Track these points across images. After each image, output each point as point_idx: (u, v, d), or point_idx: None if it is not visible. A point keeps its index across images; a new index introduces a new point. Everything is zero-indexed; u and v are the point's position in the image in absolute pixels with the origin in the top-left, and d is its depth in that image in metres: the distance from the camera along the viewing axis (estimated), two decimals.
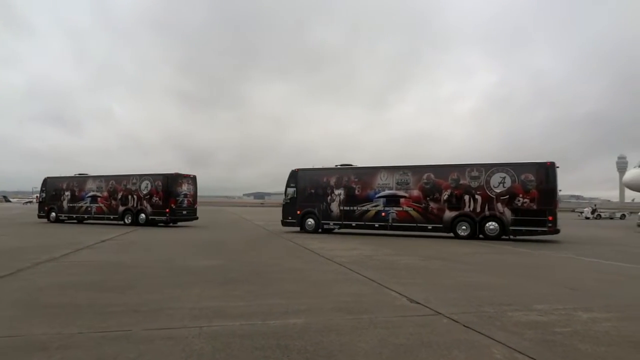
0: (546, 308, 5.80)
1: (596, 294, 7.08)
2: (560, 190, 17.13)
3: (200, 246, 14.53)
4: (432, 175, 18.54)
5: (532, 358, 3.86)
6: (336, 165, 21.15)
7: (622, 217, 47.19)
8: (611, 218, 47.00)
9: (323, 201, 20.48)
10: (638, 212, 27.96)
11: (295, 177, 21.42)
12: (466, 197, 17.81)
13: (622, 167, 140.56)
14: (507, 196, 17.14)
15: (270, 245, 15.38)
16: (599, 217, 46.66)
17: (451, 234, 18.13)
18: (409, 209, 18.78)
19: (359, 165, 20.96)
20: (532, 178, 16.88)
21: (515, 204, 17.00)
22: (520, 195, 16.96)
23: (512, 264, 10.87)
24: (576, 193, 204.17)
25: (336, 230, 21.07)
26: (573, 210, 65.64)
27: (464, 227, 17.83)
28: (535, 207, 16.73)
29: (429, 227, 18.49)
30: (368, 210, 19.56)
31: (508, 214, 17.09)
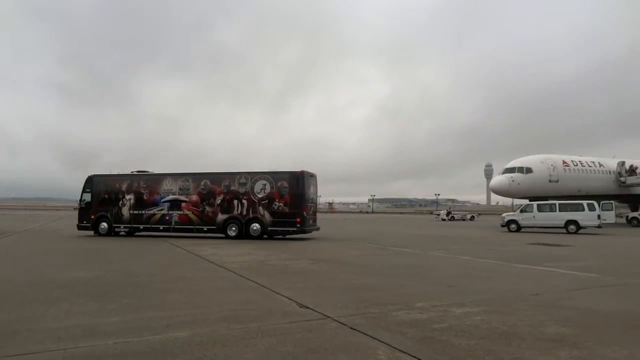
0: (426, 306, 6.16)
1: (469, 289, 7.71)
2: (316, 196, 20.70)
3: (75, 255, 13.12)
4: (208, 182, 20.29)
5: (413, 356, 4.01)
6: (131, 172, 22.25)
7: (472, 218, 52.65)
8: (463, 219, 52.11)
9: (115, 206, 21.33)
10: (502, 214, 31.45)
11: (91, 182, 22.02)
12: (235, 202, 19.75)
13: (488, 173, 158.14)
14: (267, 200, 19.39)
15: (156, 252, 14.44)
16: (452, 218, 51.42)
17: (223, 235, 19.71)
18: (188, 212, 20.28)
19: (150, 172, 22.24)
20: (286, 185, 19.34)
21: (272, 207, 19.30)
22: (277, 200, 19.29)
23: (397, 264, 11.46)
24: (452, 197, 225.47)
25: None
26: (431, 213, 72.63)
27: (233, 229, 19.64)
28: (287, 210, 19.13)
29: (205, 229, 20.02)
30: (154, 214, 20.73)
31: (267, 216, 19.32)
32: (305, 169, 19.78)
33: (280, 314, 5.71)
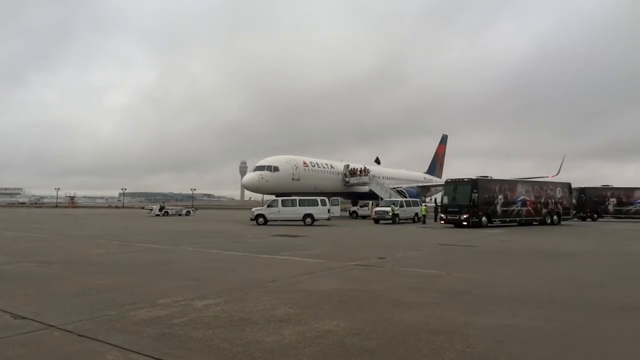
0: (168, 302, 6.08)
1: (213, 281, 7.97)
2: None
3: None
4: None
5: (146, 355, 3.91)
6: None
7: (187, 213, 52.12)
8: (179, 215, 51.78)
9: None
10: (252, 209, 33.44)
11: None
12: None
13: (243, 170, 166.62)
14: None
15: None
16: (166, 214, 50.45)
17: None
18: None
19: None
20: None
21: None
22: None
23: (143, 261, 10.92)
24: (209, 192, 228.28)
25: None
26: (143, 208, 71.11)
27: None
28: None
29: None
30: None
31: None
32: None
33: None
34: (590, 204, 39.94)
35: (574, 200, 41.01)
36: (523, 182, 30.93)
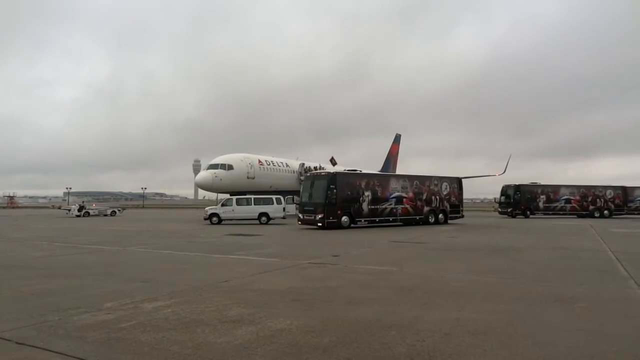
0: (115, 305, 5.86)
1: (164, 283, 7.75)
2: None
3: None
4: None
5: None
6: None
7: (113, 214, 49.16)
8: (105, 215, 48.88)
9: None
10: (206, 208, 32.79)
11: None
12: None
13: (196, 169, 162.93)
14: None
15: None
16: (87, 214, 46.49)
17: None
18: None
19: None
20: None
21: None
22: None
23: (89, 263, 10.45)
24: (161, 191, 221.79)
25: None
26: (60, 208, 67.42)
27: None
28: None
29: None
30: None
31: None
32: None
33: None
34: (524, 201, 42.00)
35: (502, 198, 43.12)
36: (398, 177, 27.94)
